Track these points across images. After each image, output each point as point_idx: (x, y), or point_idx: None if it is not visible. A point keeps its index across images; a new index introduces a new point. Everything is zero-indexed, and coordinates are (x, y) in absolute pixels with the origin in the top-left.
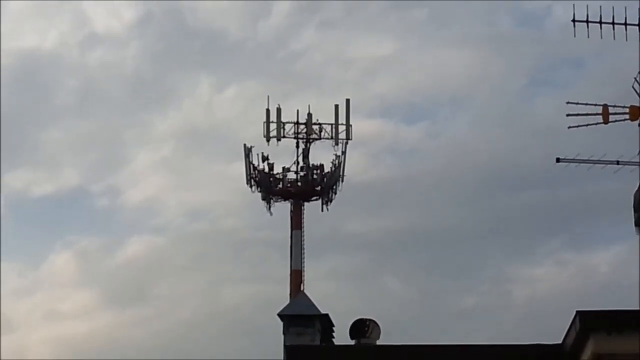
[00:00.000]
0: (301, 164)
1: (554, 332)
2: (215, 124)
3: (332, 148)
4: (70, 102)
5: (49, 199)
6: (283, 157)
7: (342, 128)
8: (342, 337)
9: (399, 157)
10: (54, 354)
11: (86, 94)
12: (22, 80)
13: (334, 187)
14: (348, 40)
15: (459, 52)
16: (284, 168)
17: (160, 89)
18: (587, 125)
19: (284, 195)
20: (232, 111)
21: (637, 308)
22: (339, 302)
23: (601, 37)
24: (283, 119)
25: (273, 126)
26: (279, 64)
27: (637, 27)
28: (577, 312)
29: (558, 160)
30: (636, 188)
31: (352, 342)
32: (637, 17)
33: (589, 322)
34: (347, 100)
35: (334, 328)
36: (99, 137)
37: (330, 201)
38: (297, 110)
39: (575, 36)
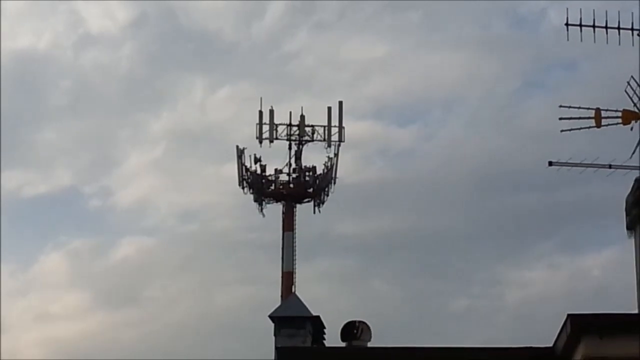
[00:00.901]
0: (293, 165)
1: (545, 336)
2: (208, 126)
3: (325, 150)
4: (64, 103)
5: (42, 200)
6: (275, 159)
7: (334, 130)
8: (333, 339)
9: (391, 159)
10: (45, 356)
11: (80, 94)
12: (16, 81)
13: (326, 189)
14: (341, 42)
15: (452, 55)
16: (276, 170)
17: (153, 90)
18: (579, 128)
19: (276, 197)
20: (225, 113)
21: (629, 311)
22: (330, 304)
23: (594, 41)
24: (276, 121)
25: (266, 128)
26: (273, 66)
27: (630, 31)
28: (569, 315)
29: (550, 163)
30: (628, 192)
31: (344, 344)
32: (630, 21)
33: (580, 326)
34: (340, 103)
35: (325, 330)
36: (93, 137)
37: (323, 203)
38: (290, 112)
39: (568, 40)
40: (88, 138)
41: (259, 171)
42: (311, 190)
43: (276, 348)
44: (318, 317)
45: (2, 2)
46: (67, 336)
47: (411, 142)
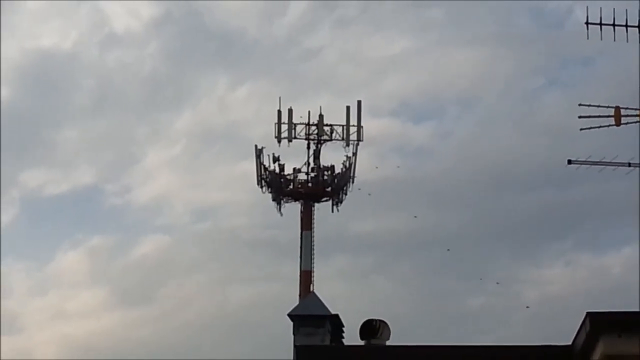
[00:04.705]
0: (312, 165)
1: (564, 334)
2: (229, 124)
3: (343, 149)
4: (88, 102)
5: (63, 198)
6: (294, 158)
7: (353, 129)
8: (352, 337)
9: (408, 157)
10: (62, 353)
11: (104, 93)
12: (40, 80)
13: (345, 188)
14: (362, 39)
15: (471, 52)
16: (294, 169)
17: (176, 88)
18: (599, 127)
19: (295, 196)
20: (245, 111)
21: None
22: (348, 302)
23: (614, 39)
24: (295, 120)
25: (284, 127)
26: (293, 63)
27: None
28: (587, 313)
29: (570, 162)
30: None
31: (362, 343)
32: None
33: (599, 324)
34: (359, 102)
35: (344, 328)
36: (115, 136)
37: (341, 202)
38: (309, 112)
39: (588, 38)
40: (111, 137)
41: (277, 170)
42: (329, 189)
43: (295, 346)
44: (337, 315)
45: (26, 1)
46: (83, 334)
47: (428, 139)
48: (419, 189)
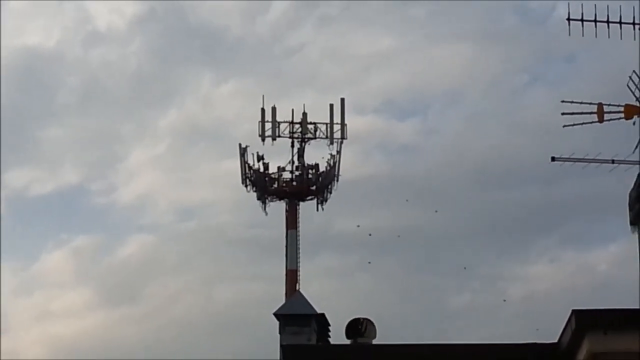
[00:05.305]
0: (296, 163)
1: (550, 331)
2: (213, 122)
3: (327, 147)
4: (72, 100)
5: (48, 198)
6: (278, 157)
7: (336, 127)
8: (338, 336)
9: (392, 154)
10: (48, 353)
11: (88, 91)
12: (25, 78)
13: (329, 186)
14: (345, 36)
15: (455, 49)
16: (279, 167)
17: (160, 86)
18: (582, 123)
19: (279, 195)
20: (230, 109)
21: (634, 307)
22: (334, 301)
23: (596, 36)
24: (279, 118)
25: (268, 125)
26: (277, 61)
27: (631, 26)
28: (573, 311)
29: (553, 159)
30: (631, 187)
31: (348, 342)
32: (632, 15)
33: (585, 321)
34: (342, 100)
35: (330, 327)
36: (100, 135)
37: (326, 200)
38: (292, 110)
39: (570, 35)
40: (96, 135)
41: (261, 169)
42: (314, 187)
43: (281, 346)
44: (323, 314)
45: (6, 0)
46: (69, 334)
47: (412, 136)
48: (404, 187)
